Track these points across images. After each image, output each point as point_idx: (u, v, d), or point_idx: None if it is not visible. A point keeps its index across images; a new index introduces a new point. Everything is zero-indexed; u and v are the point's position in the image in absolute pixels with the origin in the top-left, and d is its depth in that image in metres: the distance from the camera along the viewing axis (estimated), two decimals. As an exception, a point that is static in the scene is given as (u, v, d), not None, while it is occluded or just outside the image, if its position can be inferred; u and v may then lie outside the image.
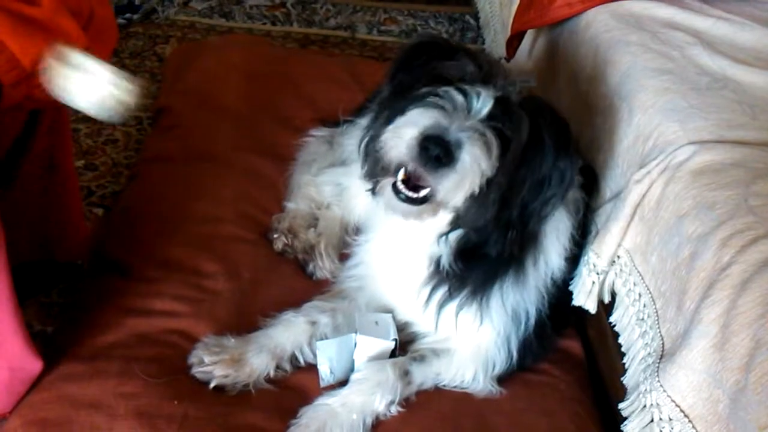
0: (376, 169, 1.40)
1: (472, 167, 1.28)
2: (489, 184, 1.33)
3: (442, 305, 1.51)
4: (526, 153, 1.35)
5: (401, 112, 1.33)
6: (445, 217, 1.42)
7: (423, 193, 1.33)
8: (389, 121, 1.35)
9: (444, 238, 1.44)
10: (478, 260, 1.45)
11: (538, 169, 1.36)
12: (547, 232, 1.50)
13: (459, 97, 1.30)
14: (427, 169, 1.28)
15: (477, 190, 1.32)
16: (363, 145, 1.47)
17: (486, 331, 1.52)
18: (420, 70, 1.41)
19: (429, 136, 1.27)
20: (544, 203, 1.39)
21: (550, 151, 1.36)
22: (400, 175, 1.34)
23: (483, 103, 1.30)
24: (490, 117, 1.31)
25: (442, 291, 1.50)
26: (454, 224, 1.42)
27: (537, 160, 1.36)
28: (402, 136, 1.29)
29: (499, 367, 1.53)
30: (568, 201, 1.51)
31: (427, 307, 1.52)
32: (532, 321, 1.53)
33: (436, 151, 1.26)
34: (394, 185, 1.34)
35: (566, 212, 1.53)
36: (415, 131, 1.28)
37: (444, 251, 1.46)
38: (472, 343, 1.54)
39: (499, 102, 1.32)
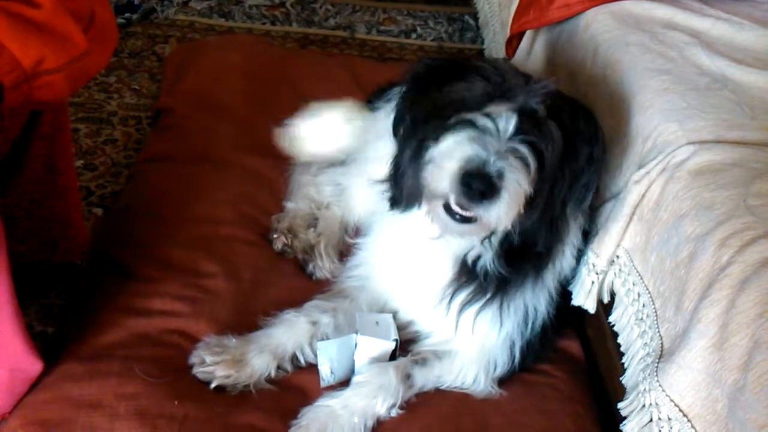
0: (416, 196, 1.40)
1: (516, 193, 1.29)
2: (532, 196, 1.34)
3: (462, 308, 1.50)
4: (562, 156, 1.37)
5: (434, 141, 1.33)
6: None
7: (473, 213, 1.33)
8: (420, 152, 1.36)
9: (487, 240, 1.44)
10: (523, 260, 1.45)
11: (573, 165, 1.39)
12: (570, 227, 1.52)
13: (487, 122, 1.30)
14: (473, 203, 1.29)
15: (522, 208, 1.33)
16: (390, 176, 1.48)
17: (493, 334, 1.52)
18: (435, 94, 1.40)
19: (470, 173, 1.27)
20: (584, 190, 1.43)
21: (582, 145, 1.39)
22: (451, 200, 1.33)
23: (507, 121, 1.30)
24: (519, 132, 1.31)
25: (465, 293, 1.50)
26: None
27: (572, 157, 1.38)
28: (443, 170, 1.30)
29: (501, 368, 1.54)
30: None
31: (447, 309, 1.51)
32: (539, 322, 1.53)
33: (481, 188, 1.27)
34: (448, 207, 1.34)
35: (581, 213, 1.54)
36: (455, 165, 1.28)
37: (486, 253, 1.46)
38: (476, 345, 1.54)
39: (523, 115, 1.32)
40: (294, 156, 1.71)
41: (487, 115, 1.31)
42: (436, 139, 1.33)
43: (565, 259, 1.55)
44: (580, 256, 1.59)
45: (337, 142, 1.40)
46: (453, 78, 1.40)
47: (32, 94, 1.26)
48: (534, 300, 1.52)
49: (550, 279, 1.53)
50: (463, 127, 1.31)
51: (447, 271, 1.51)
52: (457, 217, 1.34)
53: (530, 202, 1.34)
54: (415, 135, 1.40)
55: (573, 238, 1.55)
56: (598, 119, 1.46)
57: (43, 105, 1.44)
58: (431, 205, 1.38)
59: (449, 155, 1.29)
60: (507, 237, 1.42)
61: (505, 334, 1.52)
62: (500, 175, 1.27)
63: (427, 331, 1.60)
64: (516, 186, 1.29)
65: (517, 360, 1.54)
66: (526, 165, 1.30)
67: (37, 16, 1.20)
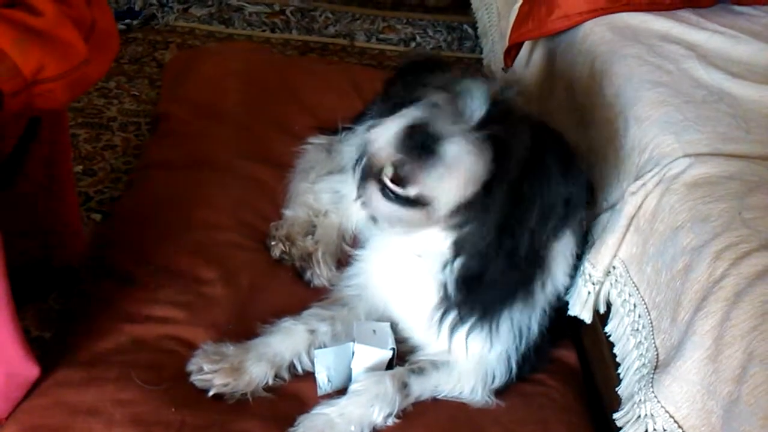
0: (365, 175, 1.35)
1: (460, 162, 1.22)
2: (486, 201, 1.28)
3: (453, 329, 1.49)
4: (529, 174, 1.30)
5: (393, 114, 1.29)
6: (445, 241, 1.39)
7: (411, 191, 1.27)
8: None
9: (450, 266, 1.41)
10: (485, 288, 1.40)
11: (544, 196, 1.31)
12: (554, 253, 1.47)
13: (452, 100, 1.26)
14: (412, 160, 1.22)
15: (470, 197, 1.27)
16: (357, 157, 1.45)
17: (486, 350, 1.51)
18: (413, 82, 1.38)
19: (415, 125, 1.22)
20: (552, 232, 1.34)
21: (555, 175, 1.31)
22: (388, 172, 1.28)
23: (478, 105, 1.26)
24: (487, 121, 1.26)
25: (453, 315, 1.47)
26: (456, 250, 1.39)
27: (542, 184, 1.31)
28: (389, 129, 1.25)
29: (499, 380, 1.54)
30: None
31: (438, 330, 1.50)
32: (533, 337, 1.52)
33: (421, 138, 1.20)
34: (382, 184, 1.28)
35: (571, 232, 1.50)
36: (402, 123, 1.24)
37: (449, 278, 1.43)
38: (473, 358, 1.53)
39: (496, 106, 1.28)
40: None
41: (455, 93, 1.26)
42: (394, 112, 1.29)
43: (556, 280, 1.51)
44: (576, 271, 1.58)
45: None
46: (435, 69, 1.38)
47: (32, 101, 1.26)
48: (525, 319, 1.49)
49: (542, 299, 1.50)
50: (426, 101, 1.27)
51: (433, 291, 1.48)
52: (392, 195, 1.27)
53: (484, 211, 1.28)
54: (382, 115, 1.36)
55: (567, 258, 1.51)
56: (582, 163, 1.39)
57: (43, 112, 1.45)
58: (368, 188, 1.31)
59: (400, 117, 1.25)
60: (466, 265, 1.37)
61: (500, 350, 1.51)
62: (446, 136, 1.21)
63: (423, 342, 1.60)
64: (461, 155, 1.21)
65: (514, 372, 1.54)
66: (480, 150, 1.23)
67: (38, 24, 1.20)
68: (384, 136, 1.26)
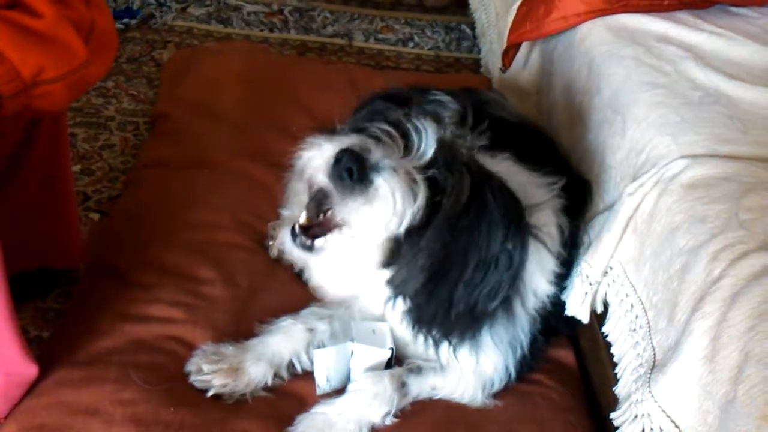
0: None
1: (385, 198, 1.19)
2: (417, 244, 1.25)
3: (437, 343, 1.46)
4: (467, 224, 1.26)
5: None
6: (381, 279, 1.36)
7: (318, 242, 1.26)
8: None
9: (392, 302, 1.39)
10: (440, 321, 1.37)
11: (481, 249, 1.27)
12: (529, 270, 1.42)
13: (396, 134, 1.23)
14: (336, 186, 1.20)
15: (399, 236, 1.24)
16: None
17: (473, 363, 1.50)
18: (374, 112, 1.35)
19: (348, 150, 1.19)
20: (491, 290, 1.30)
21: (497, 227, 1.27)
22: (302, 218, 1.27)
23: (424, 145, 1.23)
24: (430, 164, 1.23)
25: (434, 332, 1.44)
26: (393, 290, 1.36)
27: (480, 236, 1.26)
28: (323, 151, 1.22)
29: (498, 385, 1.54)
30: (545, 234, 1.45)
31: (425, 343, 1.47)
32: (527, 344, 1.51)
33: (349, 164, 1.17)
34: (293, 229, 1.27)
35: (543, 247, 1.45)
36: (336, 146, 1.20)
37: (396, 314, 1.41)
38: (468, 367, 1.52)
39: (442, 150, 1.25)
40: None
41: (401, 128, 1.24)
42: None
43: (538, 292, 1.47)
44: (567, 272, 1.57)
45: None
46: (402, 104, 1.34)
47: (31, 103, 1.26)
48: (512, 333, 1.47)
49: (524, 314, 1.46)
50: (372, 131, 1.24)
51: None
52: (300, 242, 1.26)
53: (413, 252, 1.25)
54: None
55: (546, 268, 1.46)
56: (525, 216, 1.33)
57: (42, 113, 1.45)
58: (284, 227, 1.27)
59: (337, 141, 1.21)
60: (407, 302, 1.35)
61: (494, 360, 1.49)
62: (377, 169, 1.18)
63: (416, 352, 1.56)
64: (388, 191, 1.18)
65: (513, 376, 1.54)
66: (413, 189, 1.20)
67: (38, 25, 1.20)
68: (316, 155, 1.24)
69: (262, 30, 3.10)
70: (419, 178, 1.23)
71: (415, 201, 1.22)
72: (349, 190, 1.20)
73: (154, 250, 1.78)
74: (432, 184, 1.25)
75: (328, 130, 2.06)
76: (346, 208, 1.21)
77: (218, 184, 2.02)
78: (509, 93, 2.30)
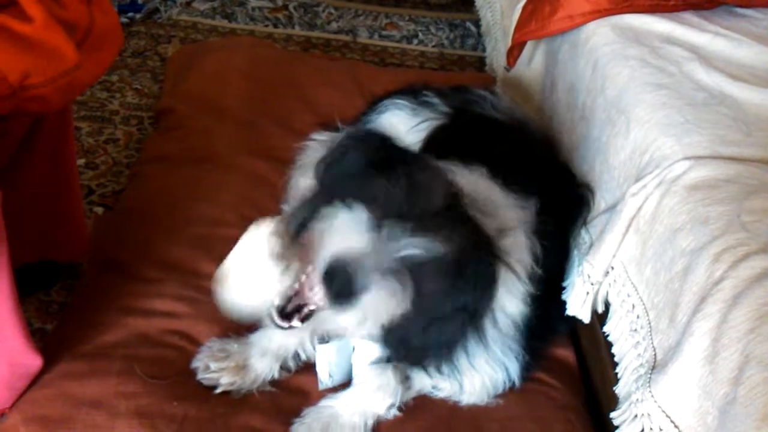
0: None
1: (372, 313, 1.23)
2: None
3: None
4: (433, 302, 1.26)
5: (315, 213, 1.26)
6: None
7: (295, 323, 1.29)
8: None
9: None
10: (407, 352, 1.39)
11: (442, 307, 1.28)
12: (499, 293, 1.39)
13: (376, 227, 1.20)
14: (328, 299, 1.22)
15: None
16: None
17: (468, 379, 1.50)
18: (350, 175, 1.29)
19: (335, 269, 1.19)
20: (449, 340, 1.34)
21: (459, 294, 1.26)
22: (275, 302, 1.28)
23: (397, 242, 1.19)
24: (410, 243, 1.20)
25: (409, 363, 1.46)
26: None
27: (444, 301, 1.27)
28: (318, 264, 1.22)
29: (501, 388, 1.53)
30: (515, 261, 1.41)
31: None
32: (520, 353, 1.50)
33: (337, 290, 1.19)
34: (269, 313, 1.29)
35: (513, 274, 1.42)
36: (325, 255, 1.20)
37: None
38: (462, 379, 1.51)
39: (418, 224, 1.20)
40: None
41: (381, 229, 1.20)
42: (315, 211, 1.26)
43: (509, 311, 1.44)
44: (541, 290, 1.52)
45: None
46: (376, 164, 1.28)
47: (23, 105, 1.27)
48: (494, 352, 1.46)
49: (497, 336, 1.44)
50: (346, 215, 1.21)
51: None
52: (275, 323, 1.29)
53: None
54: (316, 202, 1.31)
55: (507, 294, 1.42)
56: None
57: (38, 114, 1.45)
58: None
59: (324, 246, 1.21)
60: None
61: (488, 373, 1.49)
62: (364, 288, 1.19)
63: None
64: (375, 308, 1.21)
65: (516, 381, 1.54)
66: (401, 288, 1.21)
67: (27, 30, 1.19)
68: (312, 276, 1.23)
69: (266, 25, 3.11)
70: (404, 274, 1.21)
71: (401, 300, 1.23)
72: (338, 304, 1.22)
73: (157, 245, 1.79)
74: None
75: (331, 127, 2.09)
76: (334, 316, 1.25)
77: (222, 179, 2.03)
78: (513, 91, 2.31)
